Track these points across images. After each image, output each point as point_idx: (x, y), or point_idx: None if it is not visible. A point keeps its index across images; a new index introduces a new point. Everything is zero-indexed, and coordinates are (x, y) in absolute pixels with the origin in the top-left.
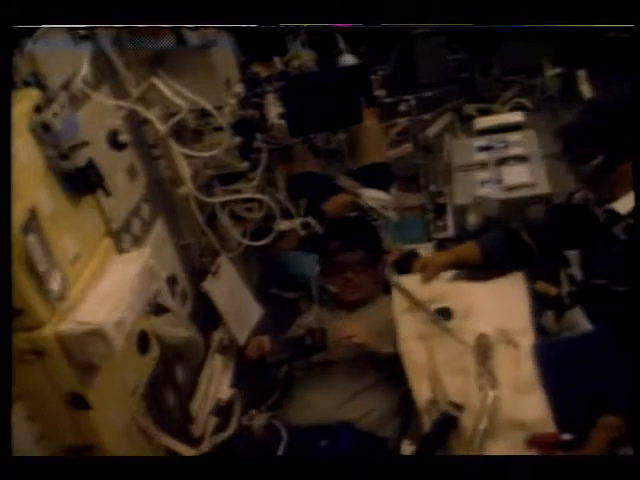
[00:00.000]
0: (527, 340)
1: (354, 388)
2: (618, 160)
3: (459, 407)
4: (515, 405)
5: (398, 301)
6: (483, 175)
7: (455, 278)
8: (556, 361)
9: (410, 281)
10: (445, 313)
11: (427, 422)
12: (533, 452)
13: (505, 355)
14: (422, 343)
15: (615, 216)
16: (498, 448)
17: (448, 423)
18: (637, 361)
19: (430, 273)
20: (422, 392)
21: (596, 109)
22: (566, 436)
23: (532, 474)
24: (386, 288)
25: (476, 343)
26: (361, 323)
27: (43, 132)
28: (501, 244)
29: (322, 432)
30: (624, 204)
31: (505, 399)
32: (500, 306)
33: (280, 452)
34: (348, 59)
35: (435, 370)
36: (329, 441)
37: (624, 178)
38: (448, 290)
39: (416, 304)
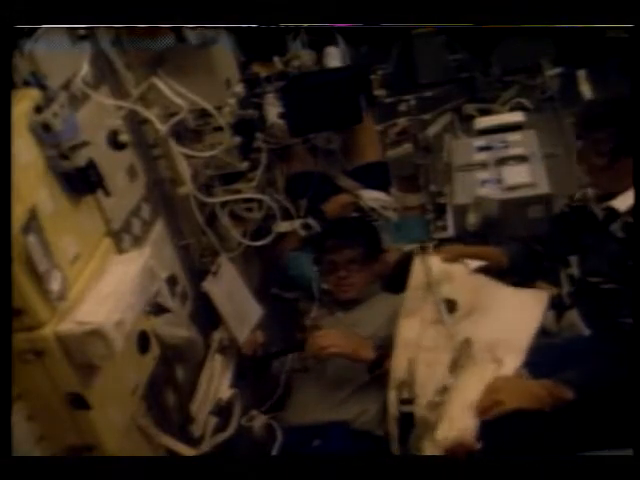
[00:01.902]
0: (514, 360)
1: (349, 388)
2: (630, 149)
3: (409, 401)
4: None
5: (416, 275)
6: (483, 175)
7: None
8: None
9: (433, 261)
10: (450, 304)
11: (393, 397)
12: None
13: (481, 372)
14: (420, 324)
15: (613, 213)
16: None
17: (405, 420)
18: (636, 359)
19: (449, 254)
20: (399, 369)
21: (609, 101)
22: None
23: (532, 474)
24: (386, 286)
25: (457, 347)
26: (339, 332)
27: (43, 132)
28: (521, 253)
29: (315, 432)
30: (623, 201)
31: (451, 412)
32: (510, 317)
33: (274, 452)
34: (334, 52)
35: (417, 353)
36: (322, 441)
37: (627, 173)
38: (465, 281)
39: (429, 284)
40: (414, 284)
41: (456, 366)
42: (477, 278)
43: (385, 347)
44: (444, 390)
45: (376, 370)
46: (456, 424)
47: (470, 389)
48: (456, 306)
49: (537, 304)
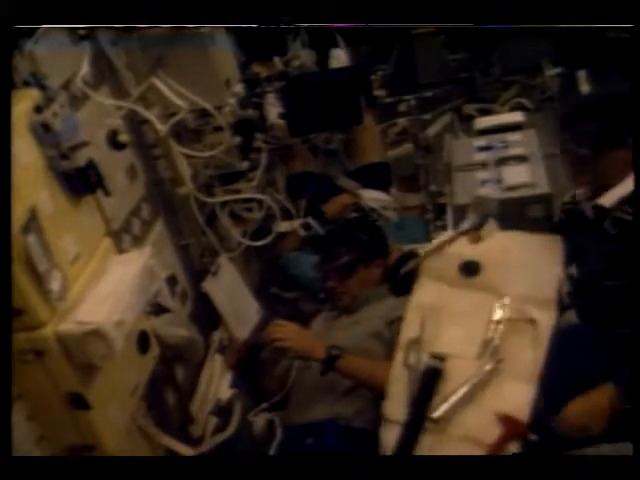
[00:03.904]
0: (548, 315)
1: (346, 385)
2: (615, 141)
3: (441, 358)
4: (502, 391)
5: (437, 242)
6: (483, 175)
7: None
8: (565, 347)
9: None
10: (473, 267)
11: (401, 358)
12: (497, 430)
13: (522, 335)
14: (439, 287)
15: (602, 211)
16: (463, 420)
17: (433, 377)
18: (636, 357)
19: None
20: (411, 327)
21: (595, 96)
22: (533, 437)
23: (531, 473)
24: (395, 289)
25: (493, 309)
26: (295, 328)
27: (43, 132)
28: None
29: (311, 430)
30: (609, 198)
31: (498, 380)
32: (534, 268)
33: (272, 451)
34: (340, 55)
35: (437, 315)
36: (317, 439)
37: (612, 166)
38: (489, 242)
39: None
40: (433, 248)
41: (495, 328)
42: (500, 233)
43: (339, 349)
44: (484, 353)
45: (328, 370)
46: (508, 397)
47: (515, 356)
48: (479, 268)
49: (556, 249)
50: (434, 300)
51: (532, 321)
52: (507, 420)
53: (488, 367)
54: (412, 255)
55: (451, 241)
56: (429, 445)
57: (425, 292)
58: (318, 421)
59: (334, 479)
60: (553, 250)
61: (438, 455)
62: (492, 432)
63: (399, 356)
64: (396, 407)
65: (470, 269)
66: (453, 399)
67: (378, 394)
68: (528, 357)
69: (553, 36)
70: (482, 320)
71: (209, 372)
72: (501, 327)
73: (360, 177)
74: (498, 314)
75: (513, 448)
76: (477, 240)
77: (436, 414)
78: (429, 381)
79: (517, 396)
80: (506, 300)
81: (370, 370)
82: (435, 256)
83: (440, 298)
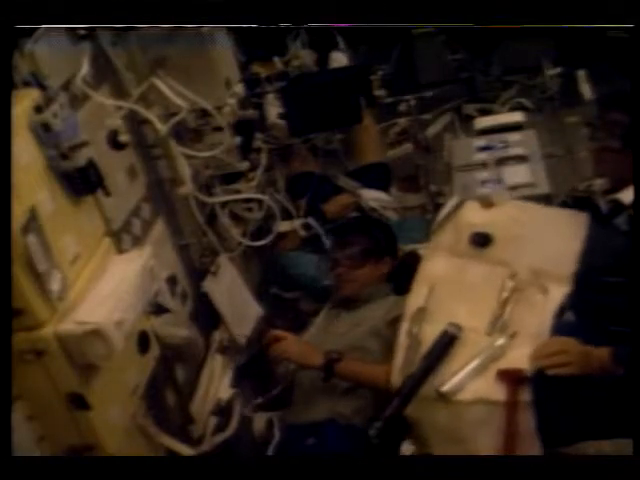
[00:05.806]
0: (560, 290)
1: (347, 384)
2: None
3: (459, 327)
4: (508, 359)
5: (447, 212)
6: (483, 175)
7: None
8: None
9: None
10: (484, 238)
11: (406, 328)
12: (502, 387)
13: (532, 304)
14: (449, 258)
15: (619, 206)
16: (474, 387)
17: (449, 341)
18: (636, 355)
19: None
20: (418, 297)
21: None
22: (529, 373)
23: (531, 473)
24: (396, 289)
25: (504, 283)
26: (292, 338)
27: (43, 132)
28: None
29: (312, 430)
30: (628, 194)
31: (511, 350)
32: (552, 242)
33: (272, 451)
34: (340, 58)
35: (446, 286)
36: (318, 439)
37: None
38: (502, 212)
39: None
40: (443, 218)
41: (506, 301)
42: (515, 205)
43: (338, 353)
44: (495, 325)
45: (330, 377)
46: (513, 364)
47: (523, 324)
48: (490, 239)
49: (577, 226)
50: (443, 271)
51: (544, 290)
52: (507, 374)
53: (500, 342)
54: (414, 256)
55: (460, 205)
56: (441, 416)
57: (435, 262)
58: (318, 421)
59: (334, 479)
60: (575, 225)
61: (438, 455)
62: (500, 389)
63: (404, 326)
64: (395, 375)
65: (481, 240)
66: (462, 374)
67: (379, 393)
68: (534, 325)
69: (553, 36)
70: (491, 292)
71: (209, 372)
72: (511, 302)
73: (360, 177)
74: (508, 288)
75: (524, 395)
76: (489, 206)
77: (444, 388)
78: (444, 345)
79: (522, 363)
80: (517, 274)
81: (370, 372)
82: (446, 226)
83: (449, 269)
